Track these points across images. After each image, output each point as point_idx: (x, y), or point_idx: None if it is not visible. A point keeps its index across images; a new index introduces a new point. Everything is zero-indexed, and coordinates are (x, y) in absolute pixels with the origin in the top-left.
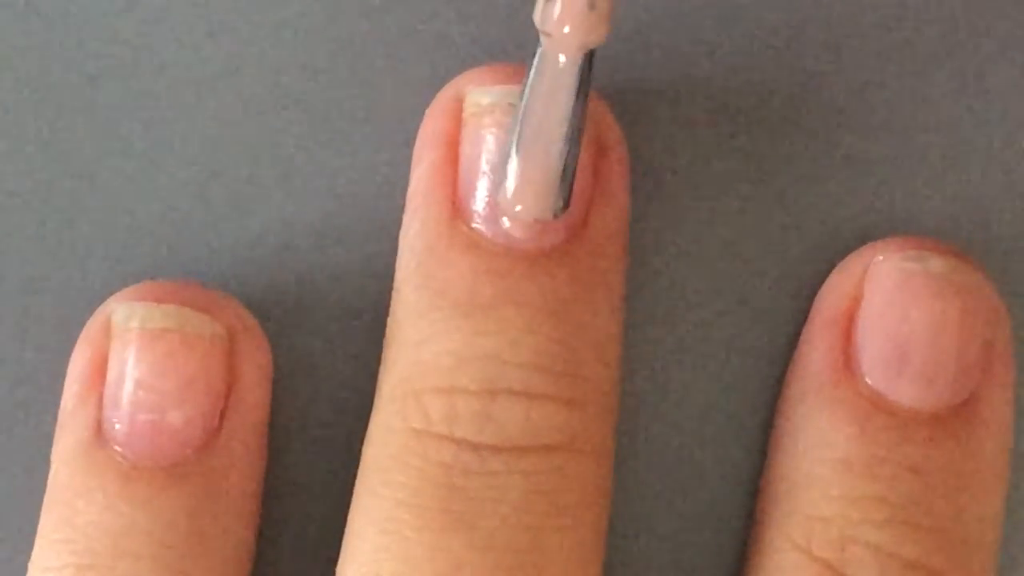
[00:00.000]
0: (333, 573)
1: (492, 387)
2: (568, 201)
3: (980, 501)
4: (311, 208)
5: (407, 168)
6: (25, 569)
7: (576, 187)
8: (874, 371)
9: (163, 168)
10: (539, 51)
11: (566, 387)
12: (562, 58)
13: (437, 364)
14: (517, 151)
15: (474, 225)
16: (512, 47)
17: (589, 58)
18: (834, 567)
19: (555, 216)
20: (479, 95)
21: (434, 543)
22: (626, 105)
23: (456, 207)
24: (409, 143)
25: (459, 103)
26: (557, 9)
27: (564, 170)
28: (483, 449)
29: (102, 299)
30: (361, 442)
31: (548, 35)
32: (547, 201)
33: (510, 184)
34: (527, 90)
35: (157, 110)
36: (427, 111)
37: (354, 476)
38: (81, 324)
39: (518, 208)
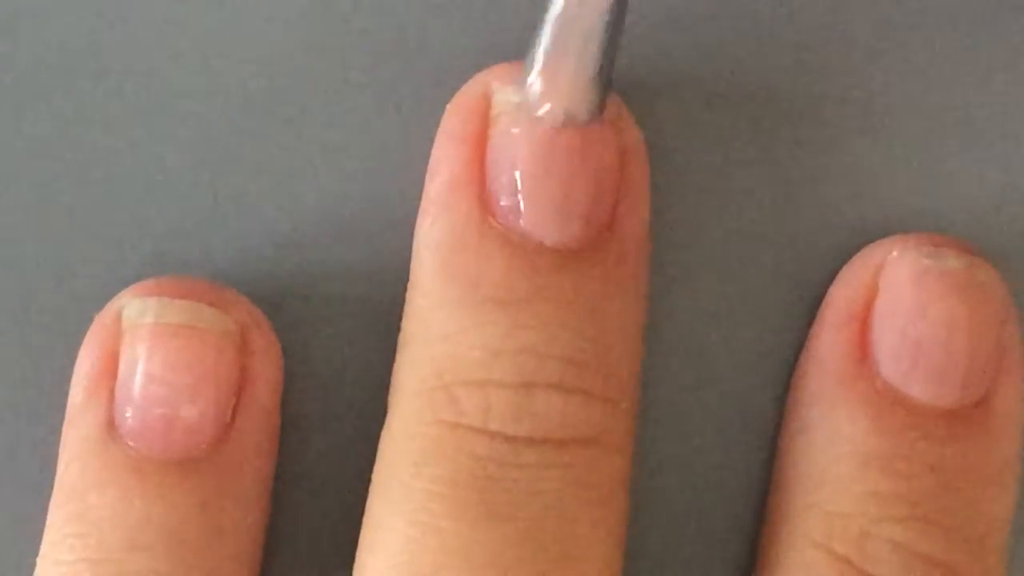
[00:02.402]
0: (344, 566)
1: (529, 380)
2: (604, 103)
3: (995, 499)
4: (318, 204)
5: (416, 164)
6: (27, 562)
7: (604, 186)
8: (890, 367)
9: (171, 165)
10: None
11: (600, 383)
12: None
13: (470, 358)
14: (550, 40)
15: (502, 222)
16: (522, 44)
17: None
18: (854, 563)
19: (590, 116)
20: (509, 93)
21: (470, 535)
22: (629, 105)
23: (485, 204)
24: (420, 138)
25: (486, 100)
26: None
27: (601, 67)
28: (518, 442)
29: (107, 296)
30: (371, 436)
31: None
32: (583, 94)
33: (539, 76)
34: None
35: (163, 107)
36: (448, 107)
37: (364, 469)
38: (85, 320)
39: (547, 106)
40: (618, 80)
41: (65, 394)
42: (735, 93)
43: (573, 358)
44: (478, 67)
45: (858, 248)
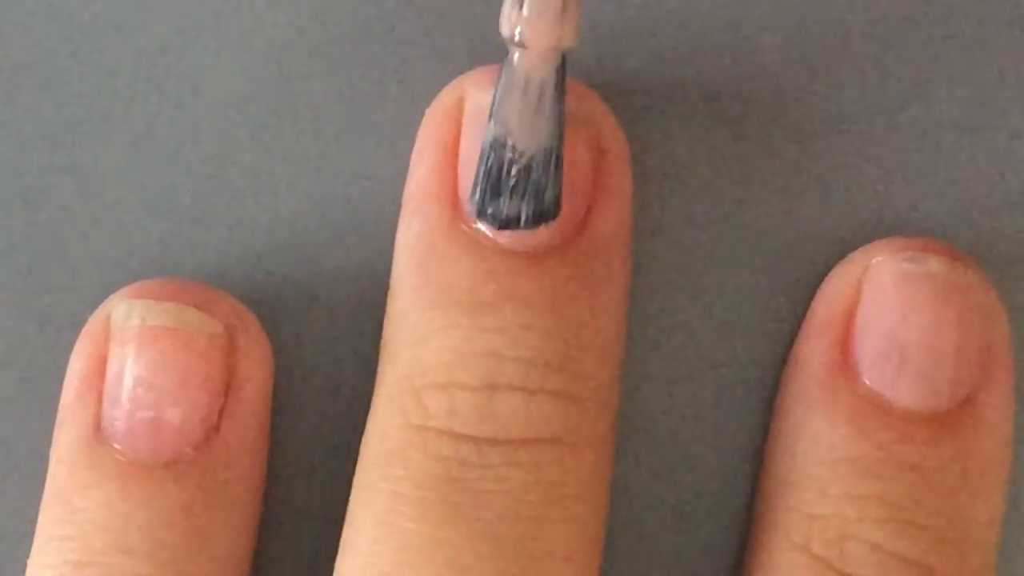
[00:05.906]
0: (332, 569)
1: (491, 382)
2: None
3: (979, 501)
4: (308, 207)
5: (404, 168)
6: (24, 566)
7: (576, 187)
8: (872, 371)
9: (162, 168)
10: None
11: (564, 382)
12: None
13: (436, 361)
14: None
15: (474, 226)
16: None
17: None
18: (833, 565)
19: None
20: (481, 96)
21: (433, 534)
22: (626, 105)
23: (456, 208)
24: (406, 143)
25: (460, 104)
26: (527, 11)
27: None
28: (482, 442)
29: (101, 299)
30: (360, 439)
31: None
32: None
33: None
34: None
35: (156, 110)
36: (427, 111)
37: (353, 472)
38: (79, 323)
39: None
40: (612, 80)
41: (59, 396)
42: (728, 95)
43: (537, 359)
44: (462, 71)
45: (847, 252)
